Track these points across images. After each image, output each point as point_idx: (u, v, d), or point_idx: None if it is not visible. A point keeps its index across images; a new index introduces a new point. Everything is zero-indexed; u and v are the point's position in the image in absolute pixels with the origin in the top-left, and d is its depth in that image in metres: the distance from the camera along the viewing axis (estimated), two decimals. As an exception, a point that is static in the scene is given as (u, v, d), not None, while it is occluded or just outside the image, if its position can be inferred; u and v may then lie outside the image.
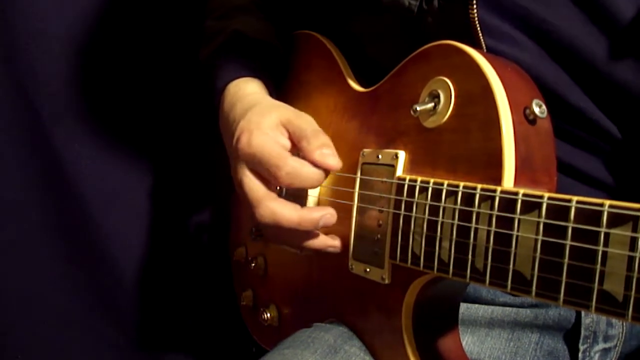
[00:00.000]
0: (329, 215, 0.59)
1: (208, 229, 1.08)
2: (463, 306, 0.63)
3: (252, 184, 0.59)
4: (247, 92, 0.67)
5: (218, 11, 0.78)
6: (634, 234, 0.35)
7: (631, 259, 0.35)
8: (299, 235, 0.60)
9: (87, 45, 0.98)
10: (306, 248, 0.61)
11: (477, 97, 0.48)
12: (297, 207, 0.58)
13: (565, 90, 0.54)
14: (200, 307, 1.09)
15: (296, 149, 0.59)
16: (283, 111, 0.61)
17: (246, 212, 0.60)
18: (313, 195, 0.67)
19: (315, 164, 0.57)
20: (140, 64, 1.00)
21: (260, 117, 0.60)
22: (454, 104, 0.50)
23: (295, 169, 0.56)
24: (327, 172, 0.58)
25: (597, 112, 0.55)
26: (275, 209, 0.57)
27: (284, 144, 0.59)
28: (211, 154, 0.76)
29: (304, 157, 0.58)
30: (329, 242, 0.61)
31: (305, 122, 0.60)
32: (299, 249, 0.62)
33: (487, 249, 0.44)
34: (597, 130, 0.56)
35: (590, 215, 0.37)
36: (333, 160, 0.57)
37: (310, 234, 0.60)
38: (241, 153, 0.59)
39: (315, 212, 0.58)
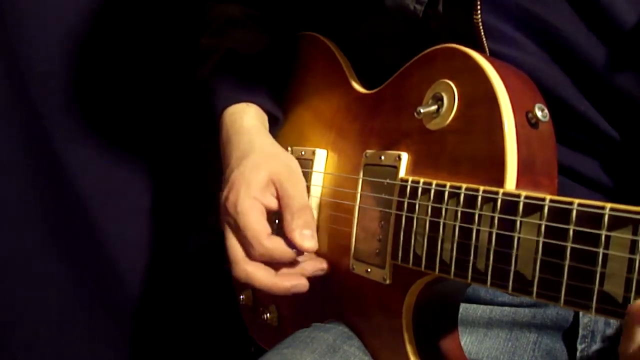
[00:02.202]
0: (300, 285, 0.62)
1: (208, 228, 1.08)
2: (462, 306, 0.64)
3: (232, 246, 0.62)
4: (244, 126, 0.68)
5: (212, 25, 0.78)
6: (634, 237, 0.35)
7: (631, 261, 0.35)
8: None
9: (87, 45, 0.98)
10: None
11: (480, 100, 0.48)
12: (271, 273, 0.61)
13: (566, 94, 0.55)
14: (199, 307, 1.09)
15: (279, 209, 0.63)
16: (276, 167, 0.64)
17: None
18: (315, 196, 0.67)
19: (293, 242, 0.60)
20: (141, 64, 1.01)
21: (252, 172, 0.63)
22: (457, 107, 0.50)
23: (268, 251, 0.60)
24: (300, 251, 0.62)
25: (597, 116, 0.56)
26: (249, 273, 0.61)
27: (270, 206, 0.62)
28: (211, 154, 0.76)
29: (284, 228, 0.61)
30: (318, 266, 0.64)
31: (295, 190, 0.63)
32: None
33: (488, 250, 0.44)
34: (596, 134, 0.56)
35: (591, 218, 0.38)
36: (310, 243, 0.61)
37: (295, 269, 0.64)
38: (227, 213, 0.62)
39: (287, 282, 0.62)
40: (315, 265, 0.64)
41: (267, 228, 0.61)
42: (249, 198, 0.61)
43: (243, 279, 0.61)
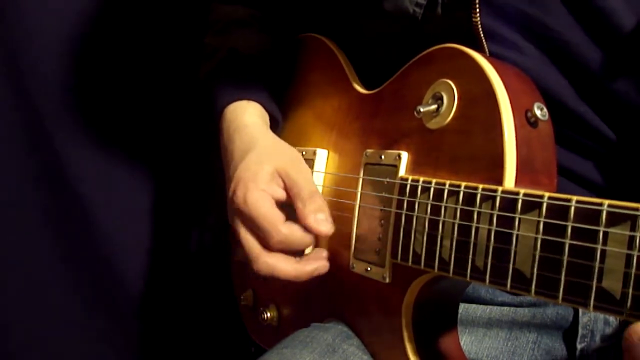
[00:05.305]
0: (322, 266, 0.62)
1: (209, 228, 1.08)
2: (461, 306, 0.64)
3: (248, 240, 0.61)
4: (245, 123, 0.68)
5: (217, 25, 0.78)
6: (632, 233, 0.36)
7: (629, 257, 0.36)
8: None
9: (88, 45, 0.98)
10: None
11: (479, 99, 0.49)
12: (292, 260, 0.61)
13: (565, 96, 0.55)
14: (200, 307, 1.09)
15: (290, 200, 0.62)
16: (280, 160, 0.63)
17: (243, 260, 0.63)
18: (315, 195, 0.67)
19: (308, 228, 0.60)
20: (141, 64, 1.01)
21: (257, 166, 0.62)
22: (457, 106, 0.51)
23: (287, 237, 0.59)
24: (317, 236, 0.61)
25: (594, 118, 0.56)
26: (271, 264, 0.60)
27: (279, 197, 0.62)
28: (212, 154, 0.76)
29: (297, 217, 0.60)
30: (320, 263, 0.63)
31: (302, 178, 0.62)
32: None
33: (487, 247, 0.45)
34: (594, 135, 0.57)
35: (589, 215, 0.38)
36: (326, 226, 0.60)
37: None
38: (236, 208, 0.61)
39: (309, 266, 0.61)
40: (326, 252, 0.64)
41: (281, 215, 0.60)
42: (257, 190, 0.60)
43: (265, 272, 0.60)
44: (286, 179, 0.62)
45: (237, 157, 0.65)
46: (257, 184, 0.61)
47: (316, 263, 0.62)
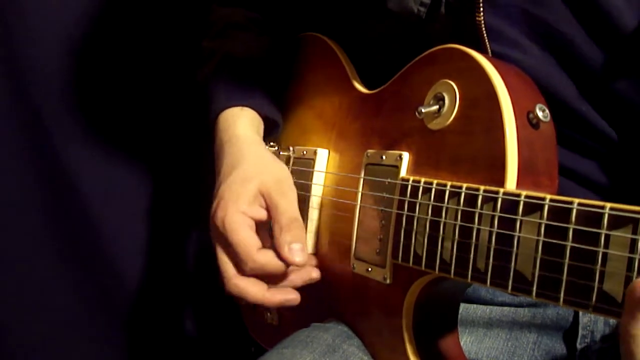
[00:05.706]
0: (292, 299, 0.63)
1: (209, 228, 1.08)
2: (462, 306, 0.64)
3: (222, 261, 0.62)
4: (237, 134, 0.68)
5: (214, 28, 0.78)
6: (634, 236, 0.35)
7: (631, 260, 0.36)
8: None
9: (87, 45, 0.98)
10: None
11: (481, 100, 0.49)
12: (263, 287, 0.62)
13: (568, 96, 0.55)
14: (200, 307, 1.09)
15: (269, 219, 0.62)
16: (265, 180, 0.63)
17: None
18: (316, 195, 0.67)
19: (282, 257, 0.60)
20: (141, 64, 1.01)
21: (240, 186, 0.62)
22: (459, 107, 0.51)
23: (261, 266, 0.60)
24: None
25: (597, 118, 0.56)
26: (242, 289, 0.61)
27: (259, 217, 0.62)
28: (210, 154, 0.76)
29: (274, 242, 0.61)
30: (308, 277, 0.64)
31: (284, 202, 0.62)
32: None
33: (488, 249, 0.45)
34: (596, 135, 0.57)
35: (591, 217, 0.38)
36: (299, 258, 0.60)
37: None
38: (215, 229, 0.62)
39: (278, 296, 0.62)
40: (306, 277, 0.64)
41: (257, 242, 0.60)
42: (237, 213, 0.60)
43: (235, 294, 0.61)
44: (268, 200, 0.62)
45: (224, 172, 0.65)
46: (238, 205, 0.61)
47: (285, 296, 0.63)
